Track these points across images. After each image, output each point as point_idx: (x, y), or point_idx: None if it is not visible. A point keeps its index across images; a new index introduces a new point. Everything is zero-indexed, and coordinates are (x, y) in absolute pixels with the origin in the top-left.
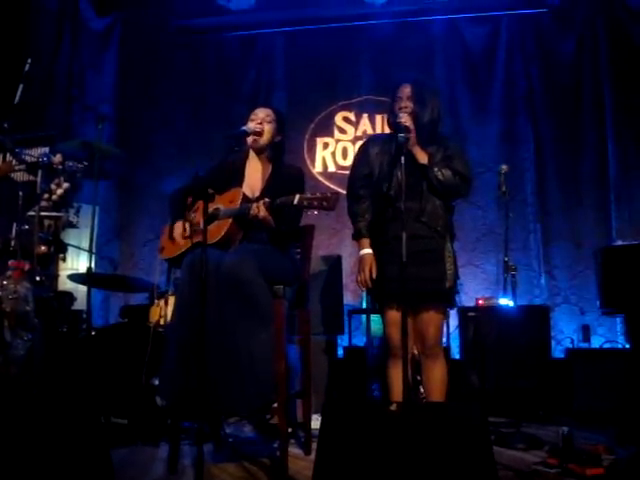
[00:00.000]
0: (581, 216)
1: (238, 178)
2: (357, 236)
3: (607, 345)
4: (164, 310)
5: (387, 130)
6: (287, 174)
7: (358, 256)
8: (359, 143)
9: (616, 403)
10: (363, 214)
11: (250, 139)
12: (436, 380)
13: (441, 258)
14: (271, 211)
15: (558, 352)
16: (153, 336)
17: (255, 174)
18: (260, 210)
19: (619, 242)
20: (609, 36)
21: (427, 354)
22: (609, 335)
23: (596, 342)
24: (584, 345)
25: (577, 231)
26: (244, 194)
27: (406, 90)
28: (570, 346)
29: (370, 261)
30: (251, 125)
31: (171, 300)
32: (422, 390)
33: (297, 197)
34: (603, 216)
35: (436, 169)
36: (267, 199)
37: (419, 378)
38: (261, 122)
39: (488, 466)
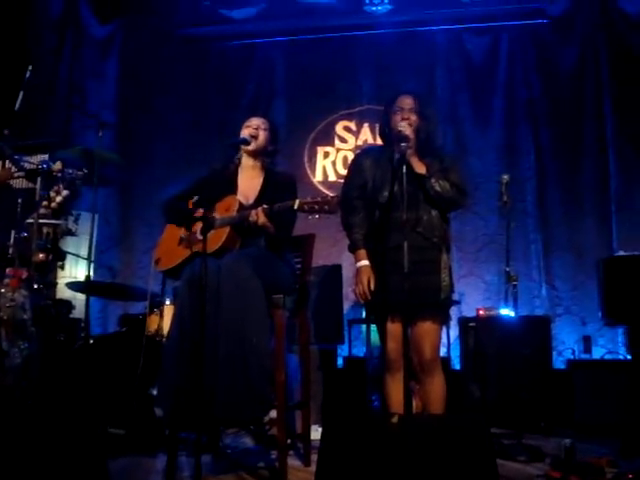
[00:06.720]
0: (582, 226)
1: (231, 187)
2: (353, 248)
3: (608, 356)
4: (162, 320)
5: None
6: (280, 181)
7: (355, 268)
8: None
9: (618, 415)
10: (359, 225)
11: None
12: (435, 395)
13: (437, 269)
14: (270, 217)
15: (559, 363)
16: (150, 345)
17: (248, 182)
18: (260, 217)
19: (621, 253)
20: (610, 46)
21: (424, 369)
22: (610, 346)
23: (597, 353)
24: (585, 356)
25: (578, 241)
26: (239, 202)
27: (408, 101)
28: (571, 357)
29: (368, 273)
30: (246, 132)
31: (168, 310)
32: (414, 404)
33: (297, 201)
34: (604, 226)
35: (433, 180)
36: (265, 205)
37: (412, 389)
38: (257, 128)
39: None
